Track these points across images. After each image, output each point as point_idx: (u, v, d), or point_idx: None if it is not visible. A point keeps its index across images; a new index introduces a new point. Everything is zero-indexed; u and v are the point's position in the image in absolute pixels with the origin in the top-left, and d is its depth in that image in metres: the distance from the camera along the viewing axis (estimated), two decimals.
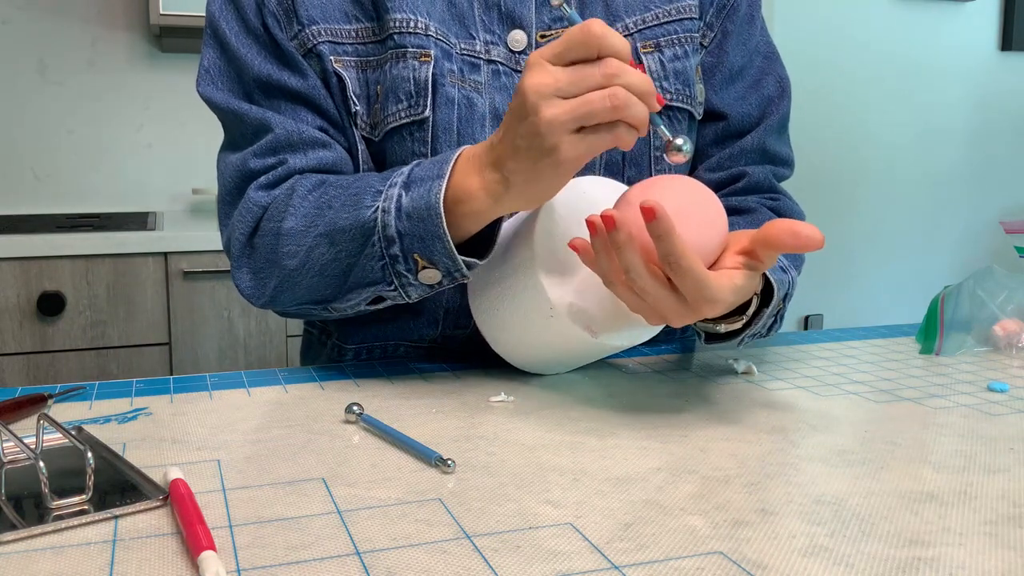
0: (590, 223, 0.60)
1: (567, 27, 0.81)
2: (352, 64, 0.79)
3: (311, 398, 0.71)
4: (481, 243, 0.71)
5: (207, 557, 0.42)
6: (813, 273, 2.83)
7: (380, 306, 0.75)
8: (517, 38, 0.80)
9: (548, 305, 0.68)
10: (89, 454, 0.50)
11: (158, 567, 0.43)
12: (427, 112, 0.78)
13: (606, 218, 0.58)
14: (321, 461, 0.57)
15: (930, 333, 0.88)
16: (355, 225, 0.70)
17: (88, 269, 1.85)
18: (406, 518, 0.48)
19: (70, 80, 2.28)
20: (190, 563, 0.43)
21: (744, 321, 0.71)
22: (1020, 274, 0.89)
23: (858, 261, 2.94)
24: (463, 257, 0.69)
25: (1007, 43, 2.98)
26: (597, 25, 0.59)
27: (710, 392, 0.73)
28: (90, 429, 0.63)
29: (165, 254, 1.89)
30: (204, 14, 0.82)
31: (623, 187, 0.75)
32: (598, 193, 0.72)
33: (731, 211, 0.84)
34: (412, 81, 0.77)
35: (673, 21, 0.83)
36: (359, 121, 0.80)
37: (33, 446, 0.53)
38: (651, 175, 0.83)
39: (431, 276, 0.70)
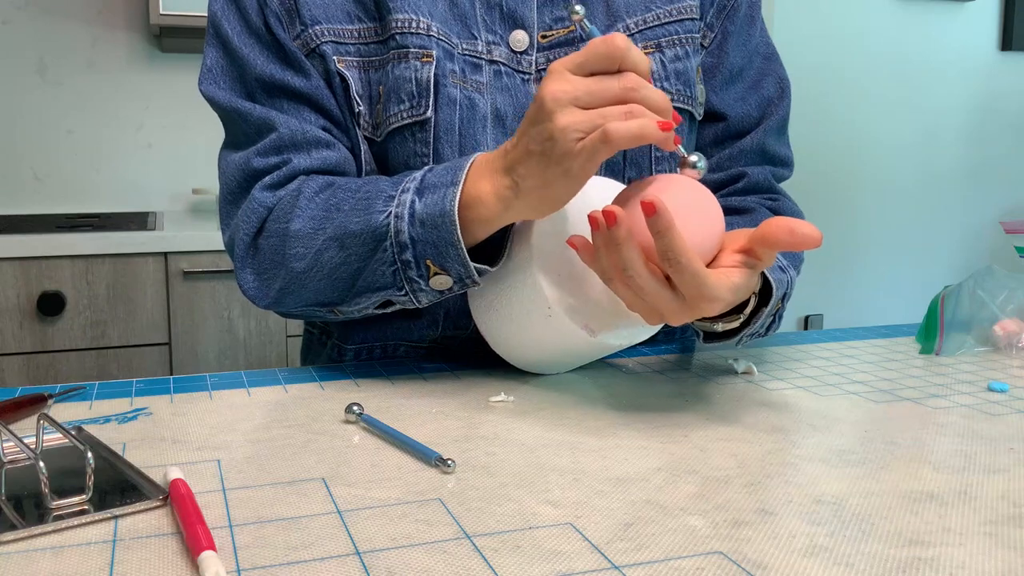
0: (591, 218, 0.60)
1: (569, 27, 0.81)
2: (355, 64, 0.79)
3: (311, 398, 0.71)
4: (491, 249, 0.71)
5: (207, 557, 0.42)
6: (813, 273, 2.83)
7: (388, 310, 0.75)
8: (519, 38, 0.80)
9: (546, 304, 0.68)
10: (89, 454, 0.50)
11: (158, 567, 0.43)
12: (429, 113, 0.78)
13: (607, 213, 0.58)
14: (321, 461, 0.57)
15: (930, 333, 0.88)
16: (366, 230, 0.70)
17: (88, 269, 1.85)
18: (406, 518, 0.48)
19: (70, 80, 2.28)
20: (190, 563, 0.43)
21: (742, 320, 0.71)
22: (1020, 274, 0.89)
23: (858, 261, 2.93)
24: (475, 264, 0.69)
25: (1007, 43, 2.98)
26: (621, 39, 0.60)
27: (710, 392, 0.73)
28: (90, 429, 0.63)
29: (165, 254, 1.89)
30: (204, 14, 0.83)
31: (622, 187, 0.75)
32: (597, 193, 0.73)
33: (730, 211, 0.84)
34: (414, 81, 0.77)
35: (674, 21, 0.83)
36: (362, 121, 0.80)
37: (33, 446, 0.53)
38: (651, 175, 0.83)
39: (442, 282, 0.70)
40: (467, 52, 0.80)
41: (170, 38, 2.25)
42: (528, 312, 0.70)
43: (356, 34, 0.79)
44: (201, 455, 0.58)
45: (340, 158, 0.79)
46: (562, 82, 0.60)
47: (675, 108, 0.83)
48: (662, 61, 0.82)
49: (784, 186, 0.91)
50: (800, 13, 2.74)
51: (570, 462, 0.57)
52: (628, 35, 0.82)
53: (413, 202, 0.68)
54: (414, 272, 0.70)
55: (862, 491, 0.52)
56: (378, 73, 0.79)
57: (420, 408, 0.69)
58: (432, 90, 0.77)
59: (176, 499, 0.49)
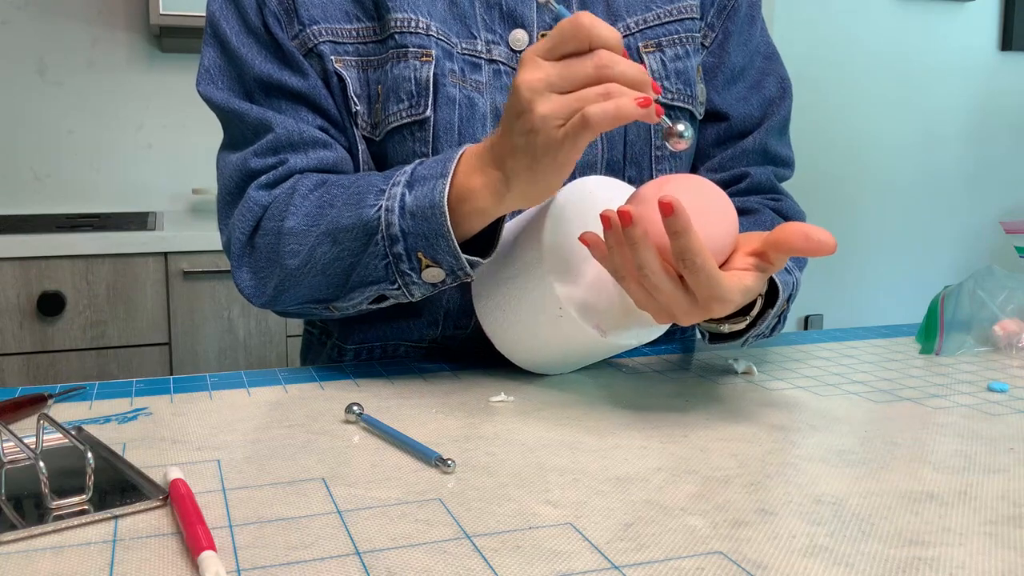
0: (604, 218, 0.60)
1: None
2: (353, 64, 0.79)
3: (311, 398, 0.71)
4: (485, 241, 0.71)
5: (207, 557, 0.42)
6: (813, 273, 2.83)
7: (383, 304, 0.75)
8: (518, 37, 0.80)
9: (557, 304, 0.68)
10: (89, 454, 0.50)
11: (158, 567, 0.43)
12: (428, 112, 0.78)
13: (622, 213, 0.58)
14: (321, 461, 0.57)
15: (930, 333, 0.88)
16: (358, 224, 0.70)
17: (88, 269, 1.85)
18: (406, 518, 0.48)
19: (70, 80, 2.28)
20: (190, 563, 0.43)
21: (748, 321, 0.71)
22: (1020, 274, 0.89)
23: (858, 261, 2.94)
24: (467, 256, 0.69)
25: (1007, 43, 2.98)
26: (586, 17, 0.59)
27: (710, 392, 0.73)
28: (90, 429, 0.63)
29: (165, 254, 1.89)
30: (204, 14, 0.82)
31: (629, 187, 0.75)
32: (605, 192, 0.73)
33: None
34: (413, 81, 0.77)
35: (674, 21, 0.83)
36: (360, 121, 0.80)
37: (33, 446, 0.53)
38: (652, 175, 0.83)
39: (435, 275, 0.70)
40: (466, 51, 0.80)
41: (170, 38, 2.25)
42: (538, 313, 0.70)
43: (355, 34, 0.79)
44: (201, 455, 0.58)
45: (337, 158, 0.79)
46: (535, 70, 0.60)
47: (676, 108, 0.83)
48: (662, 60, 0.82)
49: (785, 186, 0.91)
50: (800, 13, 2.74)
51: (570, 462, 0.57)
52: (628, 34, 0.82)
53: (403, 195, 0.68)
54: (406, 265, 0.70)
55: (862, 491, 0.52)
56: (377, 72, 0.79)
57: (420, 408, 0.69)
58: (431, 89, 0.77)
59: (176, 499, 0.49)
